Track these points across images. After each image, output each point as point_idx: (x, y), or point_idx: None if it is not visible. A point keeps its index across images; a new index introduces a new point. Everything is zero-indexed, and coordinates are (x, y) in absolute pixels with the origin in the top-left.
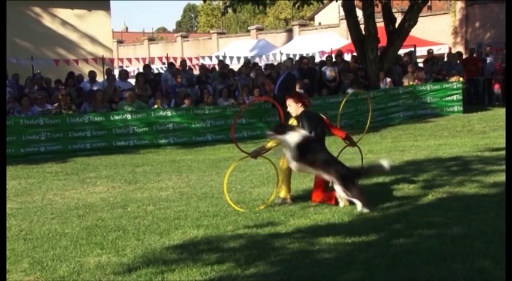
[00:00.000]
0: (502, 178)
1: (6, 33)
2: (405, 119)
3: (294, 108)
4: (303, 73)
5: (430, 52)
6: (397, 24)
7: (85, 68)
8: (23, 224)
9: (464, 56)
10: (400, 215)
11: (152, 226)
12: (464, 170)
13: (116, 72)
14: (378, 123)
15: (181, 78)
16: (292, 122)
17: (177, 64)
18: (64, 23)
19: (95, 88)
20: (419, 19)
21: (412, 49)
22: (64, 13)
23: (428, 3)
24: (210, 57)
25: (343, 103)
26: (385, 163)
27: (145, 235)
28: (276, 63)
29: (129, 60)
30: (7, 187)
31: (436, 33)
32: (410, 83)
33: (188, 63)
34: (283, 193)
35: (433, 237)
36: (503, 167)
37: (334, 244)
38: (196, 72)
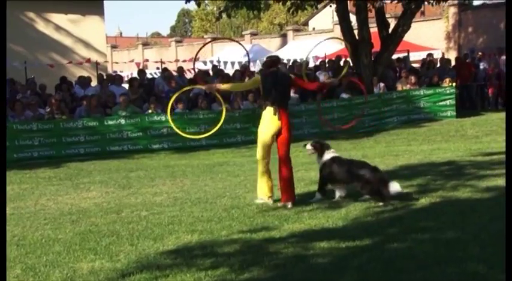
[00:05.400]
0: (495, 182)
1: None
2: (399, 123)
3: (268, 68)
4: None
5: (430, 56)
6: (390, 30)
7: (79, 73)
8: (15, 229)
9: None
10: (394, 219)
11: (146, 231)
12: (458, 175)
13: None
14: (371, 128)
15: (175, 83)
16: (256, 78)
17: (172, 69)
18: (58, 27)
19: (89, 94)
20: (413, 24)
21: (406, 54)
22: (58, 18)
23: (422, 9)
24: (205, 62)
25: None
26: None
27: (139, 240)
28: None
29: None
30: None
31: (430, 38)
32: (404, 88)
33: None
34: (263, 194)
35: (427, 241)
36: (496, 171)
37: (328, 248)
38: (190, 76)
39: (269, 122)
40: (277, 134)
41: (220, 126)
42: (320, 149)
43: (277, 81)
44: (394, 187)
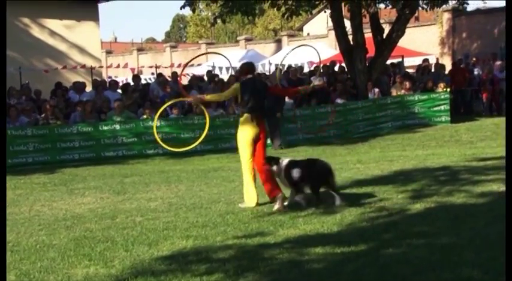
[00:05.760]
0: (489, 187)
1: None
2: (393, 129)
3: (244, 76)
4: (291, 83)
5: (426, 61)
6: (385, 35)
7: (73, 78)
8: (10, 235)
9: (451, 67)
10: (389, 224)
11: (141, 237)
12: (452, 180)
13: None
14: (366, 133)
15: (169, 88)
16: (236, 86)
17: (167, 74)
18: (53, 33)
19: (84, 99)
20: (407, 30)
21: (400, 59)
22: (53, 23)
23: (416, 14)
24: (200, 64)
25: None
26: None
27: (133, 246)
28: (267, 74)
29: (118, 66)
30: None
31: (424, 43)
32: (399, 93)
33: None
34: (252, 201)
35: (422, 247)
36: (491, 177)
37: (323, 254)
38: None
39: (247, 128)
40: (255, 140)
41: (215, 132)
42: (274, 162)
43: (255, 89)
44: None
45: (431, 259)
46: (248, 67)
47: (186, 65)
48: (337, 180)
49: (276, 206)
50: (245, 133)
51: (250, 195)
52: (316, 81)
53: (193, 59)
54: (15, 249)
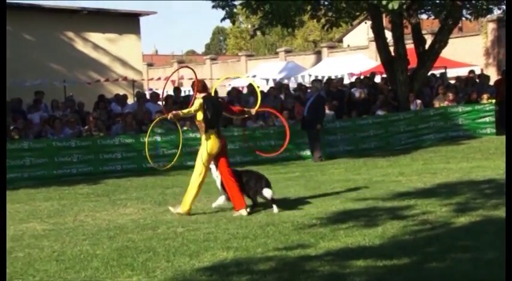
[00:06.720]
0: None
1: (41, 57)
2: (436, 141)
3: (200, 93)
4: (331, 95)
5: (472, 72)
6: (427, 46)
7: (115, 91)
8: (55, 245)
9: (496, 78)
10: (432, 238)
11: (182, 248)
12: (498, 193)
13: (146, 95)
14: (408, 145)
15: None
16: (200, 101)
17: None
18: (96, 46)
19: (126, 111)
20: (450, 40)
21: (443, 70)
22: (96, 37)
23: (459, 25)
24: (239, 77)
25: None
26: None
27: (175, 257)
28: (306, 85)
29: (159, 78)
30: (40, 207)
31: (467, 54)
32: (441, 104)
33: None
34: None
35: (467, 261)
36: None
37: (365, 267)
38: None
39: (214, 143)
40: (219, 153)
41: (255, 144)
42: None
43: (215, 105)
44: (267, 192)
45: (477, 274)
46: (203, 85)
47: (167, 79)
48: (364, 193)
49: (236, 211)
50: (211, 148)
51: (241, 201)
52: (357, 93)
53: (172, 74)
54: (60, 258)
